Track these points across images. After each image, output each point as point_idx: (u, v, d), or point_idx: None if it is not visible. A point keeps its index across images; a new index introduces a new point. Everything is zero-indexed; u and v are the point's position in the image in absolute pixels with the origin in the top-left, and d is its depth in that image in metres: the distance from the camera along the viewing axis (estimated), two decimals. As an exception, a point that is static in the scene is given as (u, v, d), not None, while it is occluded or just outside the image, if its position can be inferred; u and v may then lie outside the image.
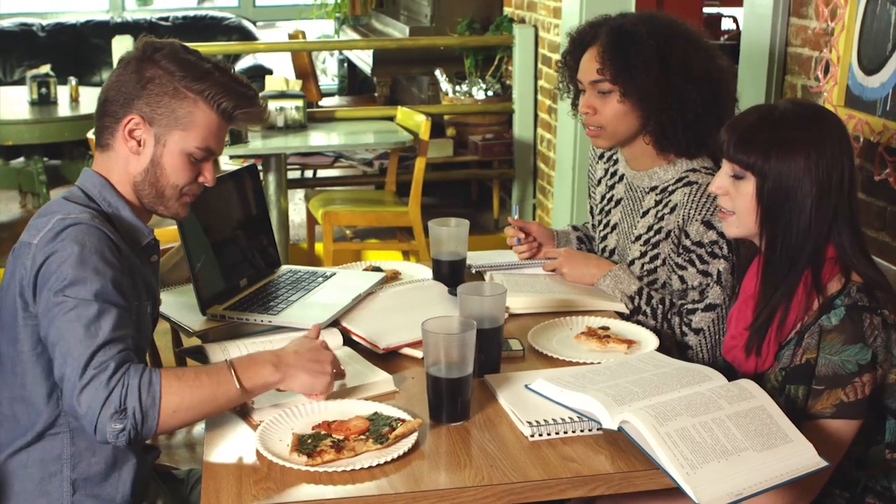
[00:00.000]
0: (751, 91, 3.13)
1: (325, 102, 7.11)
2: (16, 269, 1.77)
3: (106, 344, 1.65)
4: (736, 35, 6.43)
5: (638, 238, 2.45)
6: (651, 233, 2.41)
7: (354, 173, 6.01)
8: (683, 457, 1.57)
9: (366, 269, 2.53)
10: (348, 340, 2.12)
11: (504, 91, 5.82)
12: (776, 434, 1.64)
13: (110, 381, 1.62)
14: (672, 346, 2.32)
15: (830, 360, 1.81)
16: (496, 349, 1.99)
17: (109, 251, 1.75)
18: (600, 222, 2.62)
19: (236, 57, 7.10)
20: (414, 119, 4.93)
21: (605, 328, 2.17)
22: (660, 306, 2.34)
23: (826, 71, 2.83)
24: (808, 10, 2.96)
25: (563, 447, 1.71)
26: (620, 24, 2.36)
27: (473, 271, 2.51)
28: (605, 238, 2.59)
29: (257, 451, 1.68)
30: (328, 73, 8.28)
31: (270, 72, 6.98)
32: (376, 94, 6.70)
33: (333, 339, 2.09)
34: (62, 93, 5.88)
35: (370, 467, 1.63)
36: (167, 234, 2.91)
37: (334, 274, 2.42)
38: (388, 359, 2.06)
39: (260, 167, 4.57)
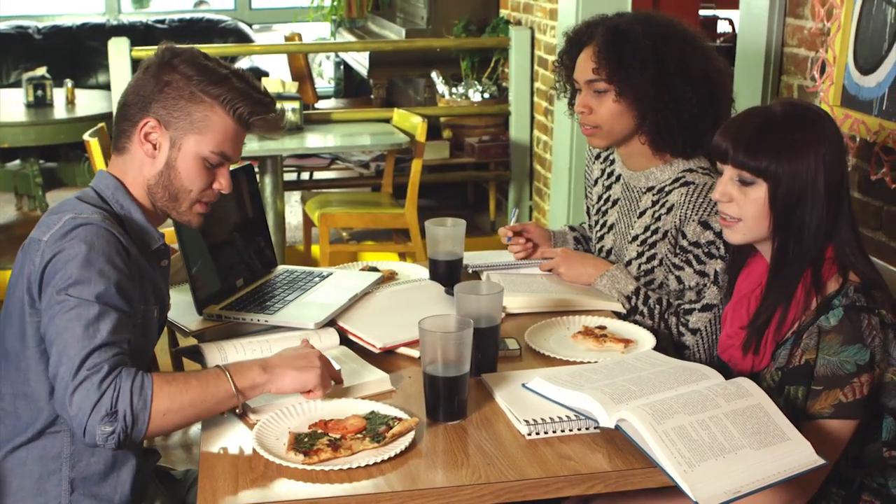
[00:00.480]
0: (747, 91, 3.13)
1: (322, 105, 7.11)
2: (24, 265, 1.78)
3: (102, 346, 1.65)
4: (732, 38, 6.44)
5: (635, 238, 2.45)
6: (648, 233, 2.41)
7: (351, 175, 6.01)
8: (681, 455, 1.57)
9: (363, 269, 2.53)
10: (345, 340, 2.12)
11: (500, 93, 5.82)
12: (773, 432, 1.64)
13: (102, 383, 1.62)
14: (669, 345, 2.32)
15: (829, 361, 1.81)
16: (493, 348, 1.98)
17: (117, 254, 1.75)
18: (597, 222, 2.62)
19: (232, 59, 7.08)
20: (410, 121, 4.93)
21: (602, 328, 2.17)
22: (657, 306, 2.34)
23: (822, 71, 2.83)
24: (805, 10, 2.97)
25: (561, 445, 1.71)
26: (617, 24, 2.36)
27: (470, 271, 2.51)
28: (601, 238, 2.59)
29: (254, 450, 1.67)
30: (324, 75, 8.28)
31: (266, 74, 6.98)
32: (373, 97, 6.70)
33: (330, 338, 2.09)
34: (58, 95, 5.87)
35: (367, 466, 1.62)
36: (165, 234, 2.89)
37: (331, 274, 2.41)
38: (384, 358, 2.05)
39: (256, 169, 4.57)
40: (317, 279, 2.36)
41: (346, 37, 7.43)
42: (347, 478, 1.60)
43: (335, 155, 5.90)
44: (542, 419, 1.75)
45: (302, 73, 6.79)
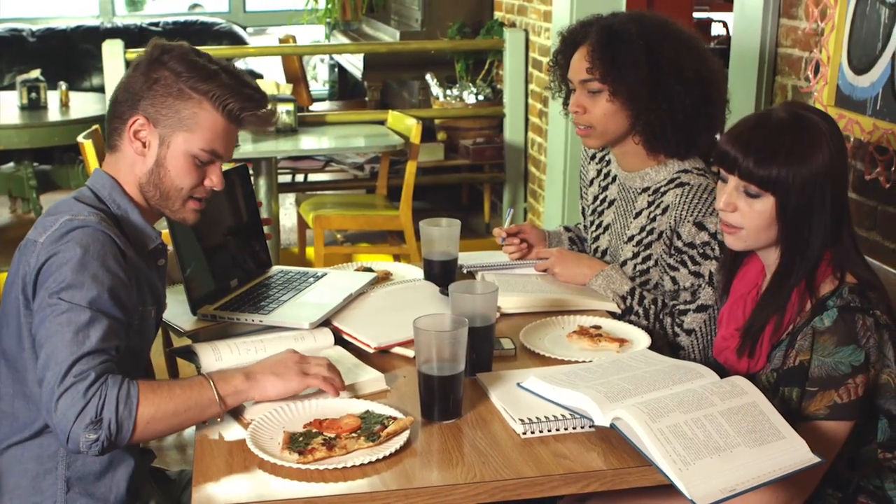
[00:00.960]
0: (741, 92, 3.13)
1: (316, 107, 7.12)
2: (20, 266, 1.77)
3: (90, 353, 1.64)
4: (726, 40, 6.45)
5: (630, 239, 2.45)
6: (643, 234, 2.41)
7: (345, 177, 6.01)
8: (676, 453, 1.56)
9: (357, 270, 2.53)
10: (340, 340, 2.11)
11: (495, 95, 5.82)
12: (768, 430, 1.64)
13: (88, 391, 1.61)
14: (664, 346, 2.32)
15: (824, 362, 1.80)
16: (488, 348, 1.98)
17: (113, 258, 1.74)
18: (592, 223, 2.62)
19: (227, 61, 7.08)
20: (405, 123, 4.93)
21: (597, 327, 2.17)
22: (652, 307, 2.34)
23: (816, 71, 2.83)
24: (798, 10, 2.97)
25: (556, 444, 1.71)
26: (611, 24, 2.36)
27: (465, 271, 2.51)
28: (597, 239, 2.59)
29: (248, 450, 1.67)
30: (319, 78, 8.28)
31: (261, 76, 6.99)
32: (367, 99, 6.70)
33: (325, 338, 2.09)
34: (52, 98, 5.86)
35: (362, 465, 1.62)
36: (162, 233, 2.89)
37: (325, 274, 2.41)
38: (379, 358, 2.05)
39: (251, 171, 4.56)
40: (311, 279, 2.36)
41: (340, 39, 7.44)
42: (342, 477, 1.60)
43: (330, 157, 5.91)
44: (537, 418, 1.74)
45: (296, 76, 6.79)
